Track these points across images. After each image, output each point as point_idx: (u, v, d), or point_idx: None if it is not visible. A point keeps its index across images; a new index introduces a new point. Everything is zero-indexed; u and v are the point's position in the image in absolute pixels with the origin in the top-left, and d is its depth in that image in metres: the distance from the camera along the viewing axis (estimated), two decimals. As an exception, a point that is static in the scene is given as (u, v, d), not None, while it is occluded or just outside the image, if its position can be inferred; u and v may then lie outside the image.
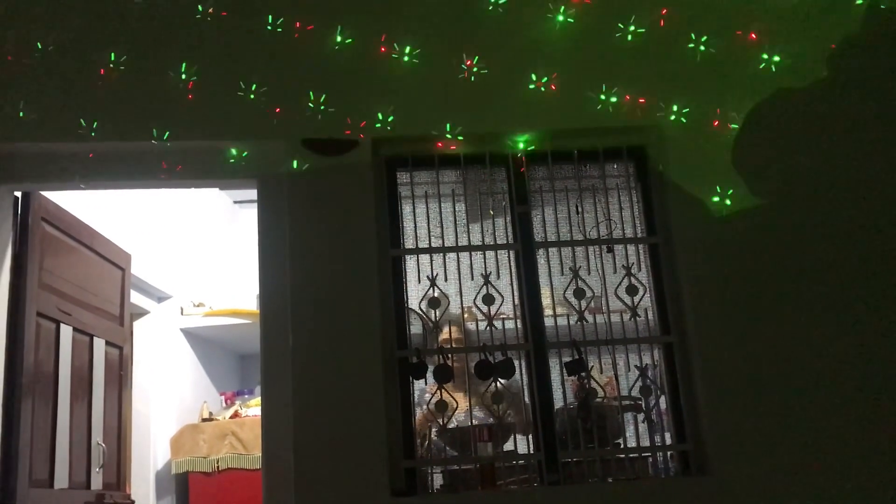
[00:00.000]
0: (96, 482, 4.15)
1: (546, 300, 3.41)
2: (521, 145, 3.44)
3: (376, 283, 3.22)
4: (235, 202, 7.16)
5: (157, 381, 5.68)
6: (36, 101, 3.22)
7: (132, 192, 5.01)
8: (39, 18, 3.30)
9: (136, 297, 5.28)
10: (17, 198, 3.61)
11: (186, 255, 6.09)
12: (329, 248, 3.24)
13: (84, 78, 3.26)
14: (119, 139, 3.26)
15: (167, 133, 3.25)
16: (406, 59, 3.37)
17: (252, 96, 3.30)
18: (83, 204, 4.39)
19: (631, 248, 3.44)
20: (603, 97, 3.37)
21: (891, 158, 3.43)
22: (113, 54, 3.28)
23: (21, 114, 3.20)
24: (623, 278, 3.39)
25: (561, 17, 3.43)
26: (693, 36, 3.45)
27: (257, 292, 3.43)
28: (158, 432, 5.62)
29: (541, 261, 3.40)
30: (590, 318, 3.37)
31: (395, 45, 3.37)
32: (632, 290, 3.38)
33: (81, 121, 3.20)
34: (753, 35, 3.47)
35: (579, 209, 3.46)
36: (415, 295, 3.37)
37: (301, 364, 3.14)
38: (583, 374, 3.29)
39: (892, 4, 3.54)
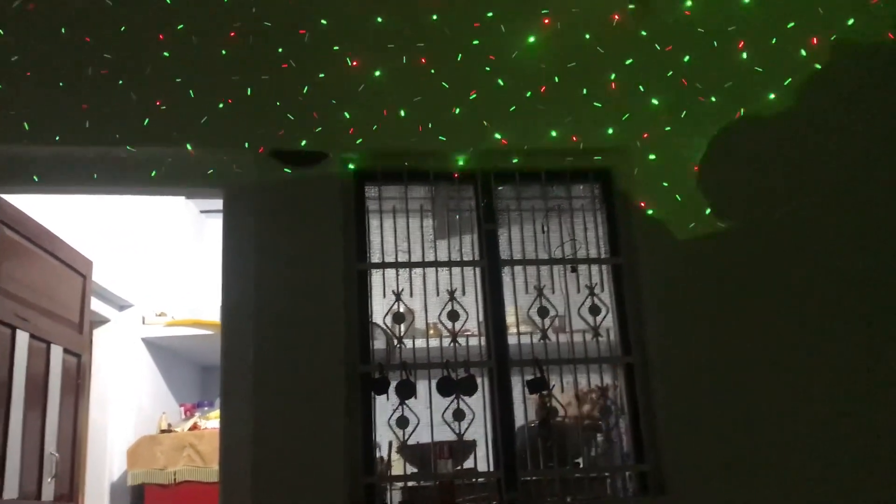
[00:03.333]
0: (48, 492, 4.06)
1: (510, 318, 3.43)
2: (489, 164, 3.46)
3: (341, 296, 3.21)
4: (202, 212, 7.10)
5: (115, 390, 5.58)
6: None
7: (96, 198, 4.94)
8: (2, 22, 3.26)
9: (96, 305, 5.20)
10: (-24, 201, 3.55)
11: (150, 264, 6.02)
12: (294, 260, 3.23)
13: (47, 81, 3.22)
14: (83, 143, 3.21)
15: (133, 139, 3.21)
16: (377, 73, 3.38)
17: (221, 105, 3.29)
18: (46, 209, 4.32)
19: (595, 268, 3.48)
20: (569, 120, 3.41)
21: (854, 184, 3.51)
22: (80, 58, 3.24)
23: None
24: (586, 298, 3.42)
25: (532, 38, 3.47)
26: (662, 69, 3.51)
27: (220, 303, 3.40)
28: (115, 443, 5.52)
29: (506, 279, 3.42)
30: (553, 336, 3.39)
31: (366, 59, 3.38)
32: (595, 310, 3.41)
33: (25, 124, 3.14)
34: (721, 59, 3.54)
35: (545, 228, 3.49)
36: (380, 310, 3.37)
37: (262, 377, 3.11)
38: (544, 392, 3.30)
39: (855, 38, 3.63)
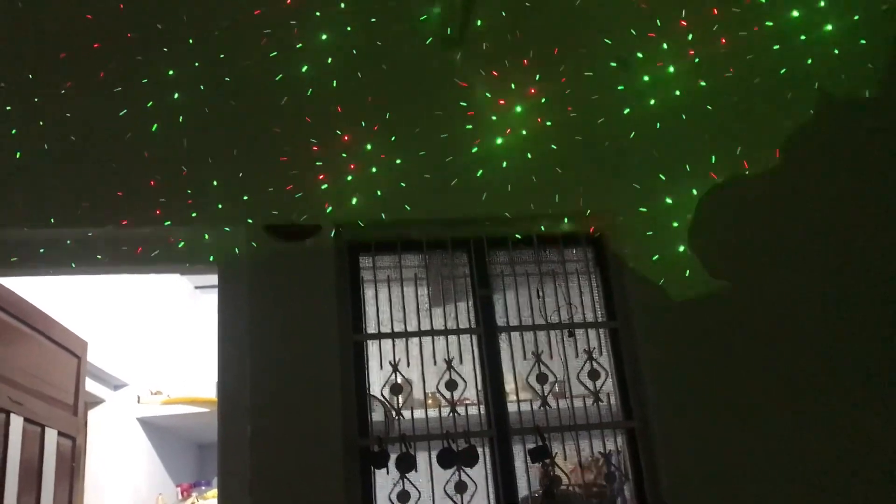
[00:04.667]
0: (42, 581, 3.94)
1: (509, 385, 3.41)
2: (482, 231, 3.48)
3: (338, 369, 3.18)
4: (196, 287, 7.08)
5: (111, 472, 5.48)
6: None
7: (90, 276, 4.94)
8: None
9: (91, 386, 5.14)
10: (-29, 284, 3.55)
11: (145, 342, 5.98)
12: (290, 333, 3.21)
13: (39, 164, 3.26)
14: (77, 225, 3.23)
15: (126, 218, 3.24)
16: (368, 147, 3.43)
17: (215, 182, 3.32)
18: (39, 289, 4.31)
19: (592, 332, 3.47)
20: (559, 186, 3.45)
21: (847, 240, 3.53)
22: (72, 139, 3.29)
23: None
24: (585, 363, 3.40)
25: (519, 108, 3.53)
26: (646, 132, 3.57)
27: (216, 380, 3.37)
28: (111, 527, 5.39)
29: (503, 345, 3.41)
30: (553, 402, 3.35)
31: (357, 132, 3.43)
32: (594, 375, 3.38)
33: (18, 207, 3.18)
34: (705, 122, 3.61)
35: (540, 294, 3.49)
36: (377, 381, 3.34)
37: (259, 453, 3.06)
38: (547, 461, 3.25)
39: (846, 93, 3.71)
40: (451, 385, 3.31)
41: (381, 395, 3.32)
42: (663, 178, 3.51)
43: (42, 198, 3.22)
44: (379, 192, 3.39)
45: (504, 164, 3.46)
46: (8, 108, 3.31)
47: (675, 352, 3.32)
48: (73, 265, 3.37)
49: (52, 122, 3.31)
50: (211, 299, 5.79)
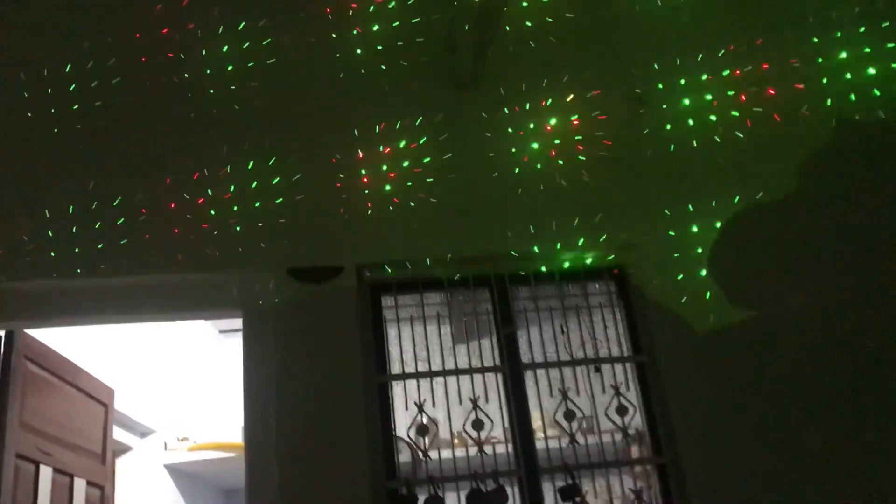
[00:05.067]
0: None
1: (536, 422, 3.38)
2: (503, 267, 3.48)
3: (363, 411, 3.17)
4: (221, 331, 7.12)
5: (138, 521, 5.47)
6: (15, 239, 3.26)
7: (115, 325, 4.98)
8: (15, 153, 3.38)
9: (118, 434, 5.16)
10: (0, 336, 3.59)
11: (170, 388, 6.00)
12: (315, 376, 3.21)
13: (65, 214, 3.31)
14: (102, 275, 3.27)
15: (151, 267, 3.27)
16: (387, 187, 3.45)
17: (238, 227, 3.35)
18: (66, 338, 4.36)
19: (618, 367, 3.43)
20: (578, 221, 3.45)
21: (869, 266, 3.48)
22: (92, 184, 3.34)
23: (2, 253, 3.23)
24: (612, 398, 3.37)
25: (536, 145, 3.55)
26: (662, 165, 3.57)
27: (242, 424, 3.36)
28: (139, 576, 5.37)
29: (529, 382, 3.38)
30: (581, 439, 3.32)
31: (376, 174, 3.46)
32: (622, 411, 3.34)
33: (45, 259, 3.22)
34: (720, 152, 3.60)
35: (564, 329, 3.47)
36: (403, 422, 3.32)
37: (287, 498, 3.04)
38: (577, 499, 3.20)
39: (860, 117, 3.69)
40: (478, 424, 3.29)
41: (408, 436, 3.30)
42: (684, 209, 3.50)
43: (68, 248, 3.26)
44: (399, 232, 3.40)
45: (523, 201, 3.46)
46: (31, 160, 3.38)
47: (703, 384, 3.27)
48: (99, 314, 3.40)
49: (75, 176, 3.37)
50: (236, 343, 5.80)
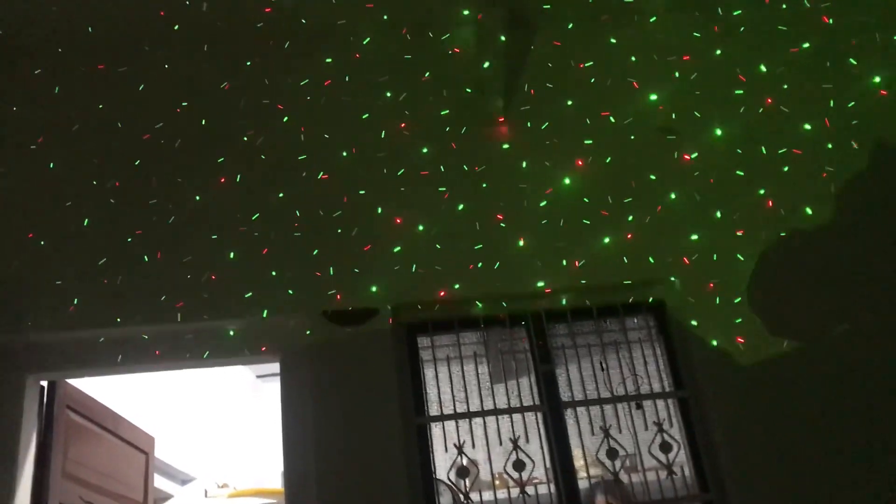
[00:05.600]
0: None
1: (579, 462, 3.31)
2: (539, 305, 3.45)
3: (402, 454, 3.14)
4: (258, 376, 7.15)
5: (180, 569, 5.45)
6: (56, 291, 3.31)
7: (153, 373, 5.02)
8: (57, 209, 3.45)
9: (159, 482, 5.17)
10: (42, 387, 3.62)
11: (210, 434, 6.02)
12: (353, 419, 3.20)
13: (103, 265, 3.36)
14: (141, 324, 3.31)
15: (189, 315, 3.30)
16: (420, 227, 3.46)
17: (273, 273, 3.38)
18: (107, 387, 4.39)
19: (660, 403, 3.37)
20: (614, 256, 3.42)
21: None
22: (129, 238, 3.40)
23: (44, 305, 3.29)
24: (655, 435, 3.30)
25: (567, 180, 3.55)
26: (697, 196, 3.54)
27: (282, 469, 3.35)
28: None
29: (570, 421, 3.33)
30: (625, 477, 3.25)
31: (408, 215, 3.47)
32: (666, 447, 3.28)
33: (85, 310, 3.27)
34: (755, 182, 3.56)
35: (604, 366, 3.42)
36: (443, 464, 3.28)
37: (328, 544, 3.01)
38: (623, 539, 3.13)
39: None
40: (519, 465, 3.24)
41: (448, 478, 3.26)
42: (724, 239, 3.45)
43: (108, 299, 3.31)
44: (433, 272, 3.40)
45: (557, 236, 3.45)
46: (71, 215, 3.45)
47: (747, 418, 3.20)
48: (139, 362, 3.44)
49: (112, 229, 3.43)
50: (273, 388, 5.82)
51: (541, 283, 3.40)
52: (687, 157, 3.61)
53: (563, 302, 3.46)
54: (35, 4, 3.47)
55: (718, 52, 3.81)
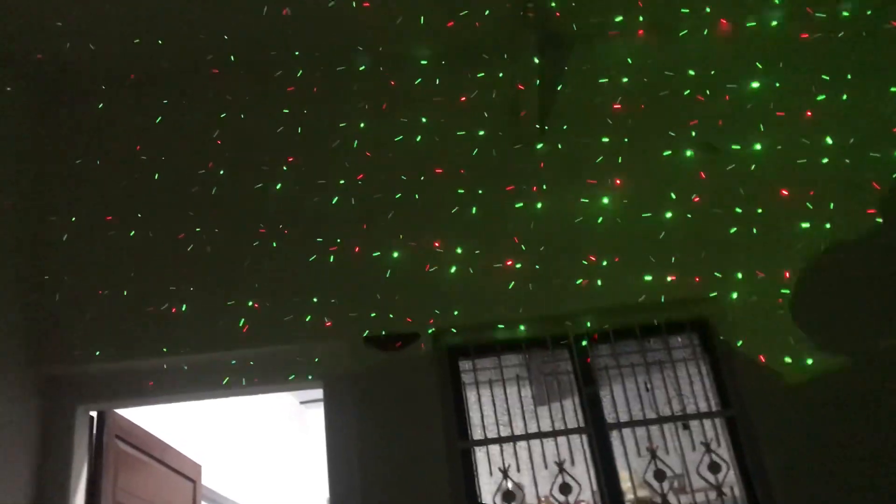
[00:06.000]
0: None
1: (626, 484, 3.27)
2: (581, 325, 3.43)
3: (447, 478, 3.13)
4: (301, 402, 7.19)
5: None
6: (104, 323, 3.38)
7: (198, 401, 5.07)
8: (105, 242, 3.52)
9: (206, 509, 5.20)
10: (92, 417, 3.69)
11: (255, 461, 6.05)
12: (397, 444, 3.20)
13: (151, 298, 3.42)
14: (186, 353, 3.36)
15: (232, 343, 3.35)
16: (459, 250, 3.46)
17: (315, 299, 3.40)
18: (154, 416, 4.45)
19: (707, 422, 3.32)
20: (656, 274, 3.39)
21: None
22: (174, 271, 3.46)
23: (92, 337, 3.36)
24: (703, 455, 3.25)
25: (606, 200, 3.53)
26: (738, 209, 3.50)
27: (327, 495, 3.36)
28: None
29: (615, 443, 3.29)
30: (674, 499, 3.19)
31: (448, 239, 3.48)
32: (714, 468, 3.22)
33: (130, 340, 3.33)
34: (797, 196, 3.51)
35: (648, 386, 3.38)
36: (488, 489, 3.26)
37: (375, 571, 3.01)
38: (674, 563, 3.08)
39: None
40: (565, 489, 3.21)
41: (493, 502, 3.24)
42: (769, 255, 3.40)
43: (153, 329, 3.37)
44: (473, 295, 3.40)
45: (597, 256, 3.42)
46: (118, 248, 3.52)
47: (798, 435, 3.13)
48: (185, 391, 3.49)
49: (153, 264, 3.49)
50: (316, 413, 5.85)
51: (582, 304, 3.38)
52: (727, 171, 3.56)
53: (605, 322, 3.43)
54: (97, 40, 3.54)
55: (758, 64, 3.75)
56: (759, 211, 3.49)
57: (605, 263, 3.42)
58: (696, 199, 3.52)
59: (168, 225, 3.55)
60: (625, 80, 3.75)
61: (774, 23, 3.82)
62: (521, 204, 3.55)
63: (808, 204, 3.48)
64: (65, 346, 3.37)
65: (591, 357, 3.43)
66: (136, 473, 4.00)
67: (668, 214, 3.49)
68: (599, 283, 3.39)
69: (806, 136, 3.61)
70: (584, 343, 3.43)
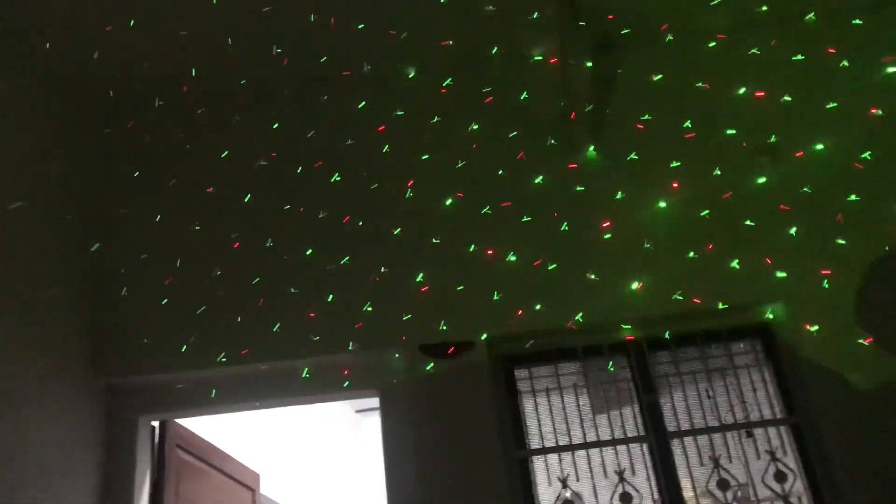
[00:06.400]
0: None
1: (688, 493, 3.20)
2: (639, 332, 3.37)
3: (505, 488, 3.10)
4: (357, 411, 7.22)
5: None
6: (165, 335, 3.44)
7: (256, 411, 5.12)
8: (166, 255, 3.57)
9: (265, 517, 5.24)
10: (154, 427, 3.75)
11: (312, 468, 6.09)
12: (453, 453, 3.18)
13: (210, 310, 3.46)
14: (245, 363, 3.39)
15: (289, 353, 3.37)
16: (512, 257, 3.44)
17: (369, 308, 3.41)
18: (213, 426, 4.51)
19: (772, 430, 3.23)
20: (718, 277, 3.31)
21: None
22: (235, 286, 3.49)
23: (154, 348, 3.41)
24: (769, 464, 3.16)
25: (663, 203, 3.47)
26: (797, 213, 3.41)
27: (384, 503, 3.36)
28: None
29: (677, 451, 3.23)
30: (738, 510, 3.12)
31: (500, 247, 3.45)
32: (780, 477, 3.13)
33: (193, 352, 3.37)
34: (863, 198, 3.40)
35: (710, 394, 3.31)
36: (546, 498, 3.23)
37: (435, 580, 2.99)
38: (740, 575, 2.99)
39: None
40: (626, 498, 3.15)
41: (553, 512, 3.20)
42: (834, 257, 3.29)
43: (212, 341, 3.41)
44: (528, 302, 3.36)
45: (655, 261, 3.36)
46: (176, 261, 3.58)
47: (867, 442, 3.03)
48: (243, 401, 3.53)
49: (206, 273, 3.53)
50: (371, 422, 5.85)
51: (640, 310, 3.32)
52: (787, 173, 3.47)
53: (667, 333, 3.35)
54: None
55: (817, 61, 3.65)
56: (821, 213, 3.38)
57: (663, 269, 3.34)
58: (756, 201, 3.43)
59: (226, 237, 3.59)
60: (687, 90, 3.67)
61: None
62: (577, 211, 3.50)
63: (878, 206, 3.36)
64: (127, 357, 3.44)
65: (651, 364, 3.37)
66: (196, 482, 4.05)
67: (728, 220, 3.40)
68: (658, 288, 3.32)
69: (867, 134, 3.49)
70: (643, 350, 3.37)
